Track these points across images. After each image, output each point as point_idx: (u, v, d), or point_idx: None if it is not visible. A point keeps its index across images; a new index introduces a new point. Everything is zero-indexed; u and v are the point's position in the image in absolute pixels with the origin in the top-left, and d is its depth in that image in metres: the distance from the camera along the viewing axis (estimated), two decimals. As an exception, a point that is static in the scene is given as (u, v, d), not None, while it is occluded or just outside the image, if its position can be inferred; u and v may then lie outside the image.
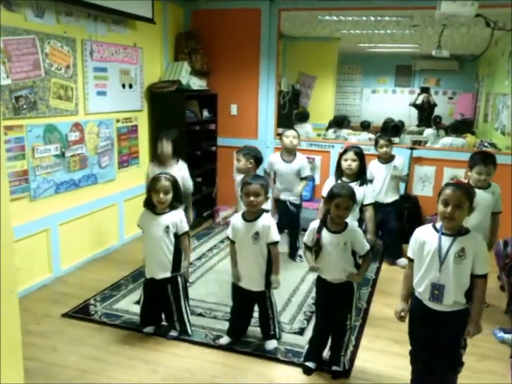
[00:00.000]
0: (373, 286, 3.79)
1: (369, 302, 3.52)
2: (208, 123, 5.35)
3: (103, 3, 3.75)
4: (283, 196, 4.23)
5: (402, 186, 4.89)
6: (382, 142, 4.27)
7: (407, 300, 2.29)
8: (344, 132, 6.93)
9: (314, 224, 2.57)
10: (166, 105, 4.75)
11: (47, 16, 3.45)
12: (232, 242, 2.82)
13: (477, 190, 3.22)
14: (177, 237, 2.85)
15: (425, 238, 2.19)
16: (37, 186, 3.50)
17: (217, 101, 5.38)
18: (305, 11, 5.26)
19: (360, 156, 3.45)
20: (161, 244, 2.81)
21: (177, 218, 2.85)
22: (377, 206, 3.78)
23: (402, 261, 4.22)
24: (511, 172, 4.59)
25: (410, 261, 2.29)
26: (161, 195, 2.77)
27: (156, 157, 3.68)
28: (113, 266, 4.03)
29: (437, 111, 8.87)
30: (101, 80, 4.07)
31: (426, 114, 8.59)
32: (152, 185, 2.80)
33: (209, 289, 3.63)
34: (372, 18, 5.83)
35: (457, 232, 2.14)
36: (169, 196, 2.80)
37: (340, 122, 7.23)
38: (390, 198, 4.28)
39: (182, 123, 4.75)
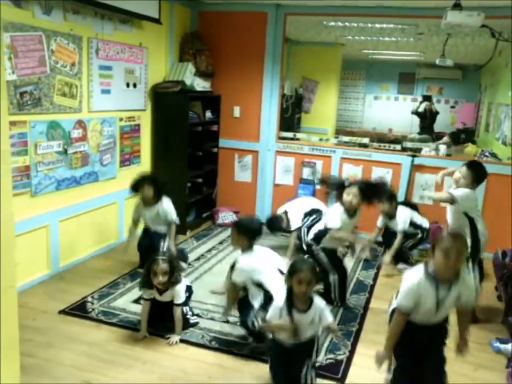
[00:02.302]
0: (370, 292, 3.80)
1: (366, 307, 3.52)
2: (210, 124, 5.36)
3: (110, 2, 3.76)
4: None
5: (403, 190, 4.92)
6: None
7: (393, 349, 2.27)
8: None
9: (278, 303, 2.36)
10: (169, 105, 4.76)
11: (54, 14, 3.46)
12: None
13: (460, 189, 3.29)
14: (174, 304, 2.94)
15: (422, 292, 2.17)
16: (38, 182, 3.50)
17: (220, 103, 5.39)
18: (311, 16, 5.27)
19: (364, 192, 3.33)
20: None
21: (174, 292, 2.92)
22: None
23: (402, 266, 4.28)
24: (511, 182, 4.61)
25: (402, 313, 2.21)
26: (160, 277, 2.83)
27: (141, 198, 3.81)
28: (111, 264, 4.03)
29: (439, 120, 8.90)
30: (106, 78, 4.08)
31: (428, 122, 8.62)
32: (151, 268, 2.86)
33: (207, 290, 3.63)
34: (377, 25, 5.84)
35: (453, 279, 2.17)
36: (167, 277, 2.86)
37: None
38: None
39: (185, 123, 4.76)
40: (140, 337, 2.90)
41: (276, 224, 4.35)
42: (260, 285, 2.79)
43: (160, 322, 3.02)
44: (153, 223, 3.84)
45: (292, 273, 2.30)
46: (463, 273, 2.19)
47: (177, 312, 2.93)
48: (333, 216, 3.40)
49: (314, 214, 4.19)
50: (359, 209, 3.41)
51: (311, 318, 2.31)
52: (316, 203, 4.46)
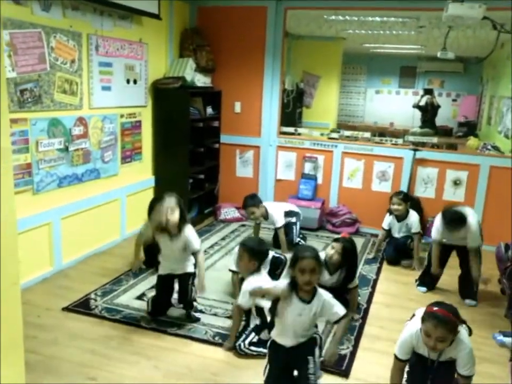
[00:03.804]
0: (373, 286, 3.80)
1: (369, 302, 3.52)
2: (211, 120, 5.35)
3: (109, -2, 3.75)
4: None
5: (405, 184, 4.91)
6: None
7: None
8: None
9: (283, 284, 2.26)
10: (170, 101, 4.75)
11: (53, 10, 3.44)
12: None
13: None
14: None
15: (416, 343, 2.20)
16: (40, 179, 3.50)
17: (221, 98, 5.38)
18: (311, 10, 5.25)
19: (348, 252, 3.12)
20: (179, 259, 2.98)
21: (187, 237, 2.94)
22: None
23: (406, 261, 4.30)
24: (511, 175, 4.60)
25: (399, 360, 2.23)
26: (170, 213, 2.82)
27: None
28: (114, 261, 4.03)
29: (440, 113, 8.85)
30: (106, 75, 4.07)
31: (429, 116, 8.58)
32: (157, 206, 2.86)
33: (209, 286, 3.60)
34: (378, 19, 5.81)
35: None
36: (176, 213, 2.84)
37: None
38: None
39: (186, 120, 4.75)
40: (135, 269, 2.95)
41: (254, 199, 4.31)
42: (260, 309, 2.77)
43: (166, 308, 3.08)
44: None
45: (294, 261, 2.21)
46: (459, 341, 2.11)
47: (199, 258, 2.95)
48: None
49: (293, 215, 4.46)
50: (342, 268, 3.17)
51: (314, 311, 2.21)
52: (291, 206, 4.60)
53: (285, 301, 2.20)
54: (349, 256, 3.13)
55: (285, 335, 2.27)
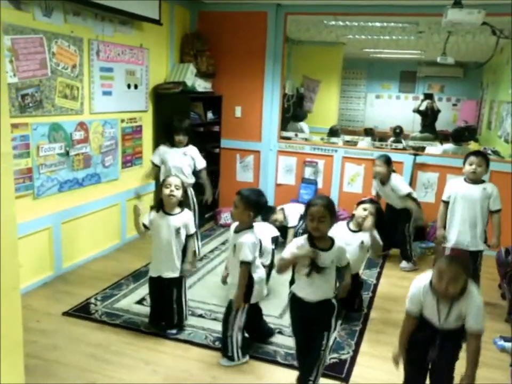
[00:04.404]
0: (374, 291, 3.79)
1: (370, 307, 3.52)
2: (212, 125, 5.36)
3: (110, 4, 3.77)
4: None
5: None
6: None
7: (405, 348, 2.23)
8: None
9: (300, 240, 2.29)
10: (170, 106, 4.76)
11: (55, 16, 3.47)
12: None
13: (466, 184, 3.45)
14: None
15: (424, 300, 2.17)
16: (40, 184, 3.51)
17: (221, 103, 5.39)
18: (311, 15, 5.27)
19: (380, 212, 3.30)
20: (171, 245, 2.92)
21: (187, 218, 2.99)
22: (388, 209, 4.33)
23: (405, 265, 4.30)
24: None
25: (410, 315, 2.22)
26: (174, 187, 2.88)
27: (169, 140, 4.06)
28: (114, 265, 4.03)
29: (441, 118, 8.86)
30: (107, 80, 4.08)
31: (429, 120, 8.60)
32: (164, 182, 2.95)
33: (210, 290, 3.63)
34: (378, 24, 5.83)
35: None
36: (180, 192, 2.91)
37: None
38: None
39: (186, 124, 4.76)
40: (141, 233, 2.99)
41: (268, 212, 4.34)
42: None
43: (161, 319, 3.03)
44: (176, 169, 3.95)
45: (306, 209, 2.22)
46: (469, 293, 2.06)
47: (190, 242, 3.03)
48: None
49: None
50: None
51: (331, 259, 2.23)
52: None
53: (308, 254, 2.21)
54: (381, 216, 3.26)
55: (306, 288, 2.27)
